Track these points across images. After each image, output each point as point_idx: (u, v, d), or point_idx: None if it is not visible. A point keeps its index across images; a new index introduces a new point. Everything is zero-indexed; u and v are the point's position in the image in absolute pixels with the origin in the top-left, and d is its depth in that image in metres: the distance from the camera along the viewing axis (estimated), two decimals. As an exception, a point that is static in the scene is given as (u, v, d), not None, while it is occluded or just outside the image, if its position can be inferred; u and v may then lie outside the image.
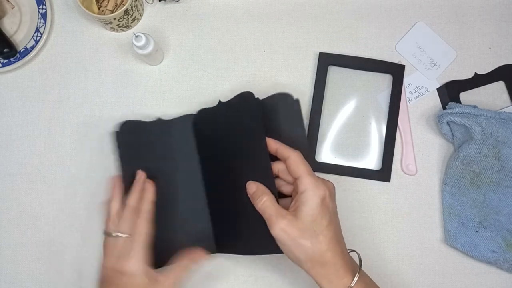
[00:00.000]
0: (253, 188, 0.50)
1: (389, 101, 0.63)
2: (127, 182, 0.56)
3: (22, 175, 0.62)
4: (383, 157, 0.62)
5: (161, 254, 0.53)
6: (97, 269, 0.60)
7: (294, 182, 0.49)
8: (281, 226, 0.45)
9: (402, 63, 0.64)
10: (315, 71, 0.63)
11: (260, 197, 0.48)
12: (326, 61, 0.63)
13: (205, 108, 0.59)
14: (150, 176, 0.56)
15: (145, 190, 0.53)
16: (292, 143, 0.52)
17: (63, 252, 0.61)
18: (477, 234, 0.60)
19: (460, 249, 0.60)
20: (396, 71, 0.63)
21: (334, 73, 0.64)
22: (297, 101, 0.58)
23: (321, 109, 0.63)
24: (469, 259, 0.60)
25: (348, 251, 0.50)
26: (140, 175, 0.55)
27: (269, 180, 0.50)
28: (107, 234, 0.52)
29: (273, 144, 0.51)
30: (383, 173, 0.62)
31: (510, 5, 0.65)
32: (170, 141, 0.59)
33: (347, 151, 0.63)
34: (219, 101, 0.57)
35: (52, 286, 0.60)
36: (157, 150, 0.59)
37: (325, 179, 0.49)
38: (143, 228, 0.51)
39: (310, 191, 0.46)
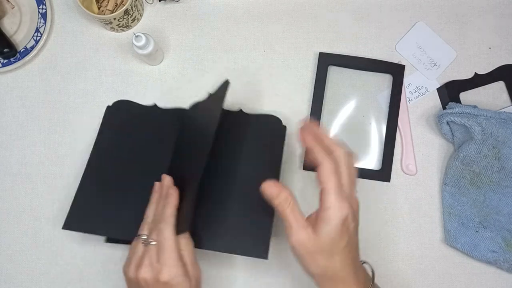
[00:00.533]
0: (270, 192, 0.46)
1: (389, 101, 0.63)
2: (98, 153, 0.58)
3: (22, 175, 0.62)
4: (383, 157, 0.62)
5: (99, 222, 0.55)
6: (99, 270, 0.60)
7: (320, 192, 0.46)
8: (299, 238, 0.44)
9: (402, 63, 0.64)
10: (315, 71, 0.63)
11: (282, 200, 0.45)
12: (326, 61, 0.63)
13: (197, 102, 0.59)
14: (123, 154, 0.58)
15: (169, 195, 0.51)
16: (264, 163, 0.57)
17: (63, 252, 0.61)
18: (477, 234, 0.60)
19: (460, 249, 0.60)
20: (396, 71, 0.63)
21: (334, 73, 0.64)
22: (284, 127, 0.60)
23: (321, 109, 0.63)
24: (469, 259, 0.60)
25: (362, 262, 0.49)
26: (167, 180, 0.52)
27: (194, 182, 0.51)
28: (143, 240, 0.49)
29: (309, 141, 0.47)
30: (383, 173, 0.62)
31: (510, 5, 0.65)
32: (156, 128, 0.60)
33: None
34: (240, 109, 0.61)
35: (52, 286, 0.60)
36: (138, 133, 0.60)
37: (352, 196, 0.46)
38: (169, 233, 0.48)
39: (333, 210, 0.43)
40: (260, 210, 0.53)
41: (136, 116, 0.61)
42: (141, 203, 0.53)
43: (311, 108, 0.62)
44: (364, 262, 0.50)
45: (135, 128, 0.60)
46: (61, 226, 0.62)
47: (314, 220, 0.45)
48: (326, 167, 0.44)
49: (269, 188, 0.46)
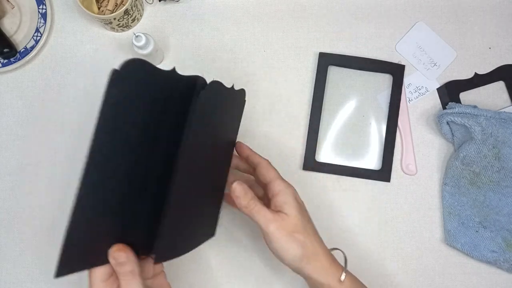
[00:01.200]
0: (239, 190, 0.48)
1: (389, 101, 0.63)
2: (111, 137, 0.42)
3: (22, 175, 0.62)
4: (383, 157, 0.62)
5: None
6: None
7: (265, 186, 0.51)
8: (276, 225, 0.47)
9: (402, 63, 0.64)
10: (315, 71, 0.63)
11: (249, 200, 0.48)
12: (326, 61, 0.63)
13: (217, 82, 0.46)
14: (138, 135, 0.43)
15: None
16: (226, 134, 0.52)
17: (63, 252, 0.61)
18: (477, 234, 0.60)
19: (460, 249, 0.60)
20: (396, 71, 0.63)
21: (334, 73, 0.64)
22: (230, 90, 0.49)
23: (321, 109, 0.62)
24: (469, 259, 0.60)
25: (331, 249, 0.51)
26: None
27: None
28: None
29: (245, 151, 0.54)
30: (383, 173, 0.62)
31: (510, 5, 0.65)
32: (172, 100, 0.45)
33: (347, 151, 0.63)
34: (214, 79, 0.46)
35: (52, 286, 0.60)
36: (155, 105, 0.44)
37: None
38: None
39: (284, 191, 0.49)
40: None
41: (152, 83, 0.43)
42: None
43: (311, 108, 0.62)
44: (335, 249, 0.52)
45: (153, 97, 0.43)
46: (62, 227, 0.62)
47: (275, 209, 0.49)
48: (264, 163, 0.52)
49: (237, 187, 0.48)
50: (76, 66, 0.64)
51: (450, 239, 0.60)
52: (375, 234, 0.61)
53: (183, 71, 0.64)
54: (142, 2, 0.64)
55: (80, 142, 0.62)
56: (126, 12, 0.59)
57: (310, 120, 0.62)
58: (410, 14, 0.65)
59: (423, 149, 0.63)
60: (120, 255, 0.41)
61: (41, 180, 0.62)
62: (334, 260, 0.49)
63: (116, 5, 0.62)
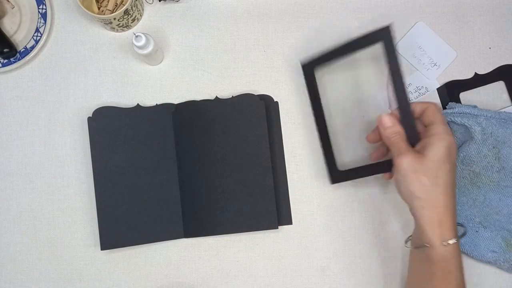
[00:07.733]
0: (388, 122, 0.52)
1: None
2: (98, 167, 0.60)
3: (22, 175, 0.62)
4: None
5: (128, 234, 0.59)
6: (99, 270, 0.60)
7: (425, 128, 0.52)
8: (408, 158, 0.48)
9: (403, 65, 0.62)
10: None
11: (393, 131, 0.51)
12: (309, 68, 0.60)
13: (190, 101, 0.62)
14: (122, 160, 0.60)
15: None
16: (252, 142, 0.60)
17: (63, 252, 0.61)
18: (477, 234, 0.60)
19: (460, 249, 0.60)
20: (384, 36, 0.53)
21: (323, 76, 0.63)
22: (262, 103, 0.61)
23: (323, 115, 0.60)
24: (469, 259, 0.60)
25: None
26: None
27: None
28: None
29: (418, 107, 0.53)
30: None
31: (510, 5, 0.65)
32: (146, 127, 0.61)
33: (363, 150, 0.62)
34: (216, 96, 0.62)
35: (52, 286, 0.60)
36: (131, 135, 0.61)
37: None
38: None
39: (441, 135, 0.49)
40: (260, 187, 0.60)
41: (121, 119, 0.61)
42: (157, 202, 0.60)
43: (315, 120, 0.61)
44: (459, 224, 0.53)
45: (125, 131, 0.61)
46: (62, 227, 0.62)
47: (419, 147, 0.50)
48: (432, 107, 0.51)
49: (385, 118, 0.52)
50: (76, 66, 0.64)
51: (450, 239, 0.60)
52: (375, 234, 0.61)
53: (183, 71, 0.64)
54: (142, 2, 0.64)
55: (80, 141, 0.63)
56: (126, 12, 0.59)
57: (318, 132, 0.60)
58: (410, 14, 0.65)
59: (423, 149, 0.63)
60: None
61: (41, 180, 0.62)
62: (451, 222, 0.48)
63: (116, 5, 0.62)
